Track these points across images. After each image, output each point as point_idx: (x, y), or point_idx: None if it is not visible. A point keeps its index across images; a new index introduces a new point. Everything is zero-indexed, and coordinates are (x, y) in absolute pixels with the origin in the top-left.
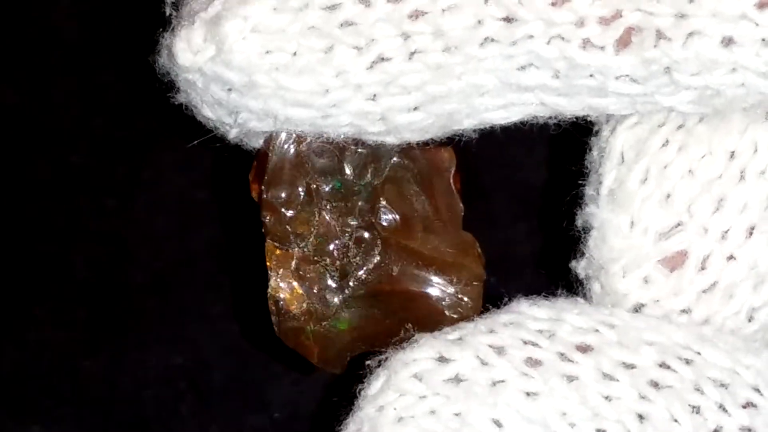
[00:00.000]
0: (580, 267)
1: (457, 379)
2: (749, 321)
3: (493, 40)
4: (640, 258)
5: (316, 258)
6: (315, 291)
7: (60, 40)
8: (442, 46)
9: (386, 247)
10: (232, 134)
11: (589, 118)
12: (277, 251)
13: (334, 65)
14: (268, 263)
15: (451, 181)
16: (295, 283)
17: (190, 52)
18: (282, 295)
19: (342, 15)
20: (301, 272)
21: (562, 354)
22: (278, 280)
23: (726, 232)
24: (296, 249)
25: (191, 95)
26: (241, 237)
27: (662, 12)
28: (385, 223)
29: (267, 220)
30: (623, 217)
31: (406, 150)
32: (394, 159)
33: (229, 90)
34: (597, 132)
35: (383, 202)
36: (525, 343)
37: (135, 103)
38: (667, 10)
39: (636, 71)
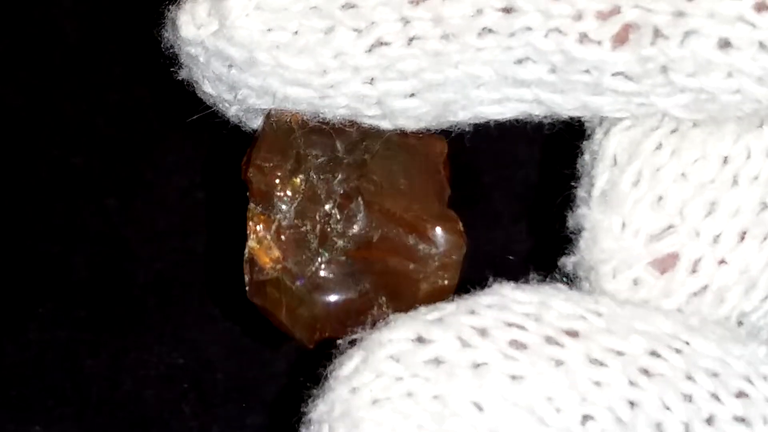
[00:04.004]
0: (569, 262)
1: (437, 361)
2: (739, 326)
3: (491, 30)
4: (631, 259)
5: (297, 222)
6: (292, 255)
7: (61, 41)
8: (440, 34)
9: (369, 213)
10: (232, 111)
11: (583, 120)
12: (261, 216)
13: (333, 46)
14: (248, 226)
15: (441, 167)
16: (273, 246)
17: (193, 26)
18: (258, 256)
19: None
20: (281, 237)
21: (549, 337)
22: (256, 242)
23: (718, 236)
24: (278, 214)
25: (193, 70)
26: (242, 237)
27: (660, 9)
28: (370, 186)
29: (252, 177)
30: (615, 218)
31: (399, 133)
32: (387, 137)
33: (230, 66)
34: (589, 135)
35: (370, 171)
36: (509, 325)
37: (136, 103)
38: (666, 8)
39: (632, 68)
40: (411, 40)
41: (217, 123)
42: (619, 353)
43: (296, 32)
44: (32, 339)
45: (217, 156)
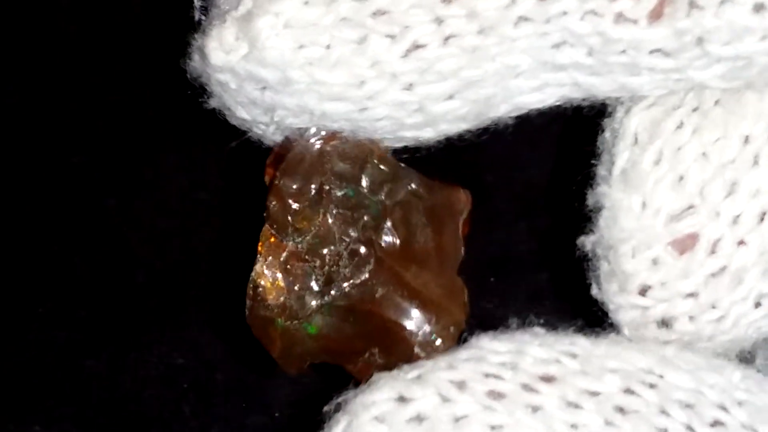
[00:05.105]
0: (588, 242)
1: (419, 418)
2: (756, 307)
3: (526, 18)
4: (651, 239)
5: (307, 257)
6: (296, 288)
7: (61, 40)
8: (476, 29)
9: (378, 268)
10: (269, 133)
11: (619, 101)
12: (272, 239)
13: (368, 55)
14: (259, 248)
15: (460, 224)
16: (279, 275)
17: (222, 51)
18: (263, 282)
19: (374, 4)
20: (288, 266)
21: (525, 385)
22: (264, 266)
23: (738, 216)
24: (291, 243)
25: (224, 97)
26: (242, 237)
27: None
28: (384, 244)
29: (271, 205)
30: (635, 197)
31: (425, 180)
32: (412, 185)
33: (264, 88)
34: (610, 113)
35: (388, 223)
36: (486, 376)
37: (136, 103)
38: None
39: (668, 43)
40: (447, 39)
41: (218, 123)
42: (594, 393)
43: (329, 46)
44: (32, 339)
45: (227, 154)
